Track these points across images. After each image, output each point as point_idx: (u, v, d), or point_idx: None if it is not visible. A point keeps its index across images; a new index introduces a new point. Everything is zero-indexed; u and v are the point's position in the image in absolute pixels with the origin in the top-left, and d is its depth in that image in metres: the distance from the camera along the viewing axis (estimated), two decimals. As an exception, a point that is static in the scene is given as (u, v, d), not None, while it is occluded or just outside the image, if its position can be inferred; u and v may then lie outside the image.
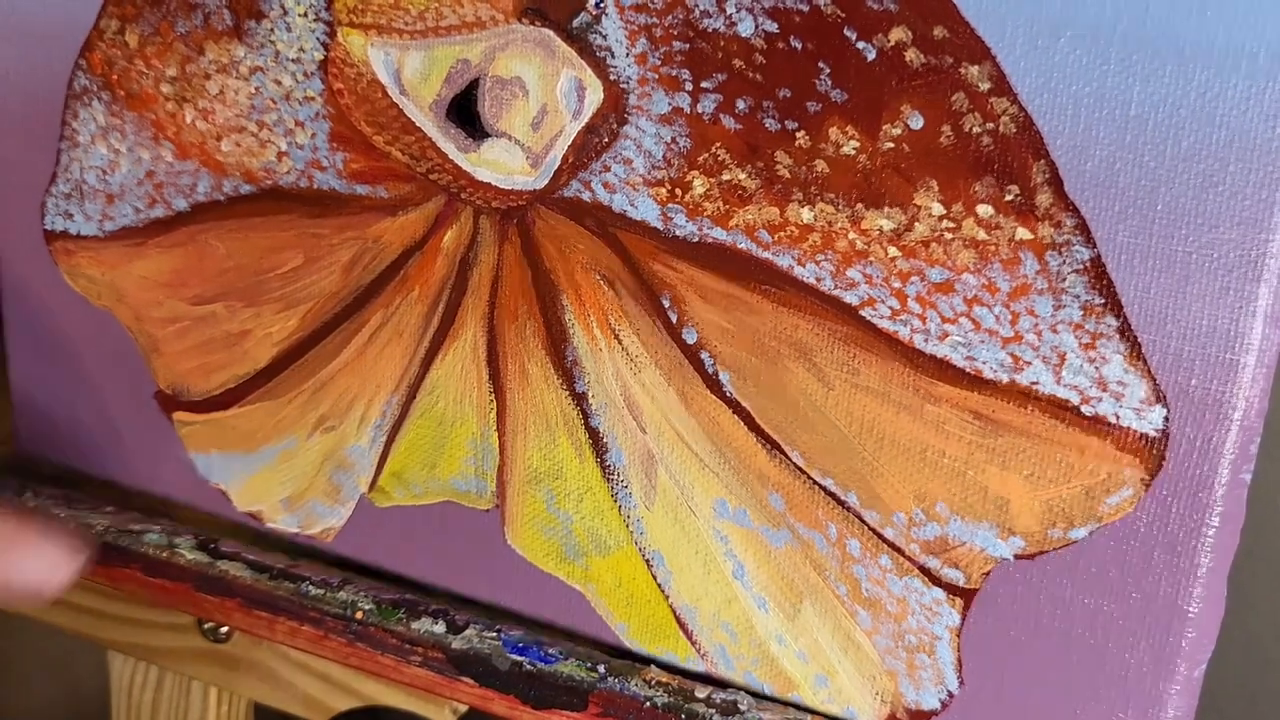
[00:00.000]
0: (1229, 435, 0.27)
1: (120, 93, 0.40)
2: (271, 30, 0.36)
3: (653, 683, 0.36)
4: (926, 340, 0.30)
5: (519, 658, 0.37)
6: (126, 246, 0.42)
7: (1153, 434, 0.28)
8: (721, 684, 0.36)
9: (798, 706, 0.35)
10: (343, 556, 0.41)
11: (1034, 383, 0.29)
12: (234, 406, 0.42)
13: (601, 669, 0.36)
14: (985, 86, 0.28)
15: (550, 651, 0.37)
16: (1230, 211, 0.26)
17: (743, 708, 0.35)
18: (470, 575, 0.39)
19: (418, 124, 0.35)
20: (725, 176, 0.31)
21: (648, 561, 0.36)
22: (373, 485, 0.40)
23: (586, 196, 0.33)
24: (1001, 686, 0.32)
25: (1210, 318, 0.27)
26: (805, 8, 0.29)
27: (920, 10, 0.28)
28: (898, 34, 0.28)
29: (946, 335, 0.30)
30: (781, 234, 0.31)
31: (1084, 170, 0.27)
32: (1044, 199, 0.28)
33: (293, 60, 0.36)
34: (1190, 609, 0.29)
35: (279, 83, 0.37)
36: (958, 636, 0.32)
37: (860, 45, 0.29)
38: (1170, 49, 0.26)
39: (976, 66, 0.28)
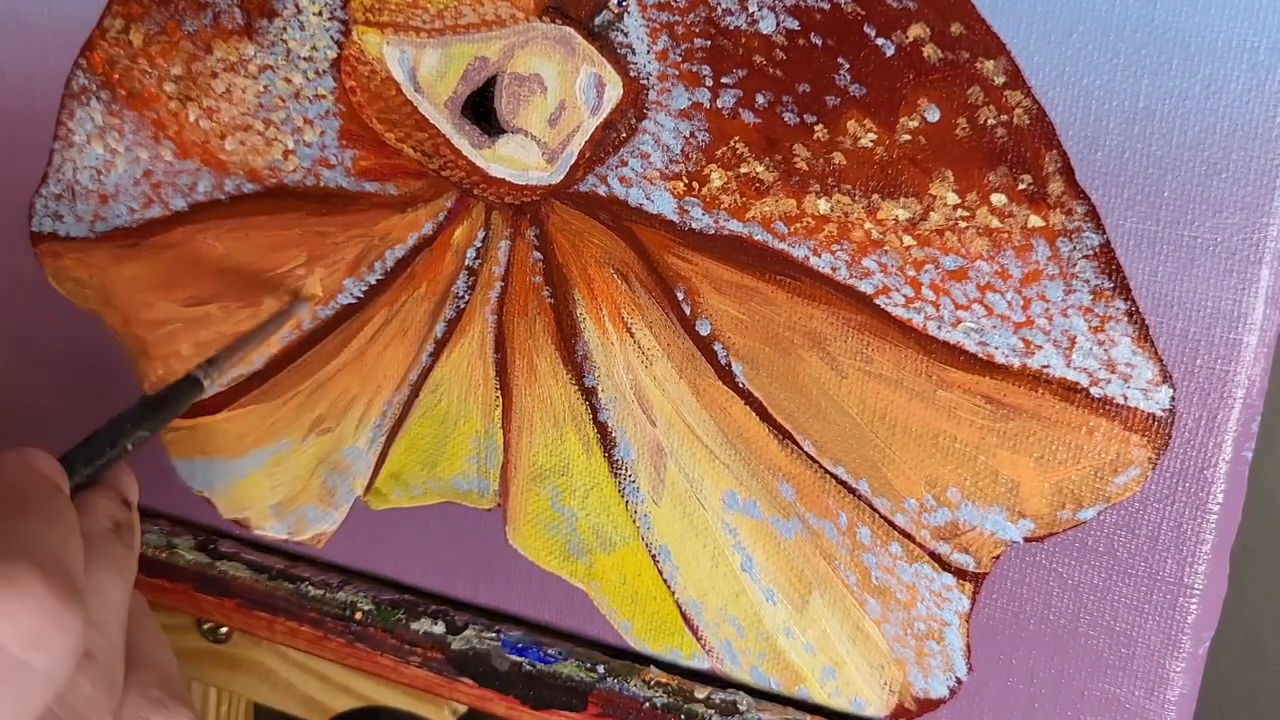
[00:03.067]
0: (1233, 413, 0.29)
1: (121, 92, 0.40)
2: (284, 29, 0.37)
3: (652, 683, 0.36)
4: (940, 327, 0.31)
5: (518, 658, 0.37)
6: (118, 248, 0.42)
7: (1159, 414, 0.29)
8: (721, 684, 0.36)
9: (798, 705, 0.35)
10: (334, 564, 0.41)
11: (1045, 366, 0.30)
12: (224, 410, 0.41)
13: (601, 669, 0.36)
14: (1000, 80, 0.29)
15: (550, 652, 0.37)
16: (1233, 197, 0.28)
17: (742, 708, 0.35)
18: (469, 578, 0.39)
19: (431, 121, 0.35)
20: (743, 169, 0.32)
21: (654, 557, 0.36)
22: (369, 488, 0.40)
23: (602, 191, 0.34)
24: (1010, 671, 0.32)
25: (1215, 299, 0.28)
26: (826, 5, 0.30)
27: (938, 7, 0.29)
28: (916, 30, 0.29)
29: (959, 322, 0.31)
30: (798, 225, 0.32)
31: (1094, 159, 0.29)
32: (1056, 187, 0.29)
33: (304, 59, 0.37)
34: (1196, 585, 0.30)
35: (289, 81, 0.37)
36: (967, 622, 0.32)
37: (879, 41, 0.30)
38: (1176, 44, 0.27)
39: (992, 61, 0.29)
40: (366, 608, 0.38)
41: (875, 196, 0.31)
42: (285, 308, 0.37)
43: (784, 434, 0.33)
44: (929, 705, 0.33)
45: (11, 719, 0.22)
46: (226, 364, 0.34)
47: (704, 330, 0.34)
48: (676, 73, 0.32)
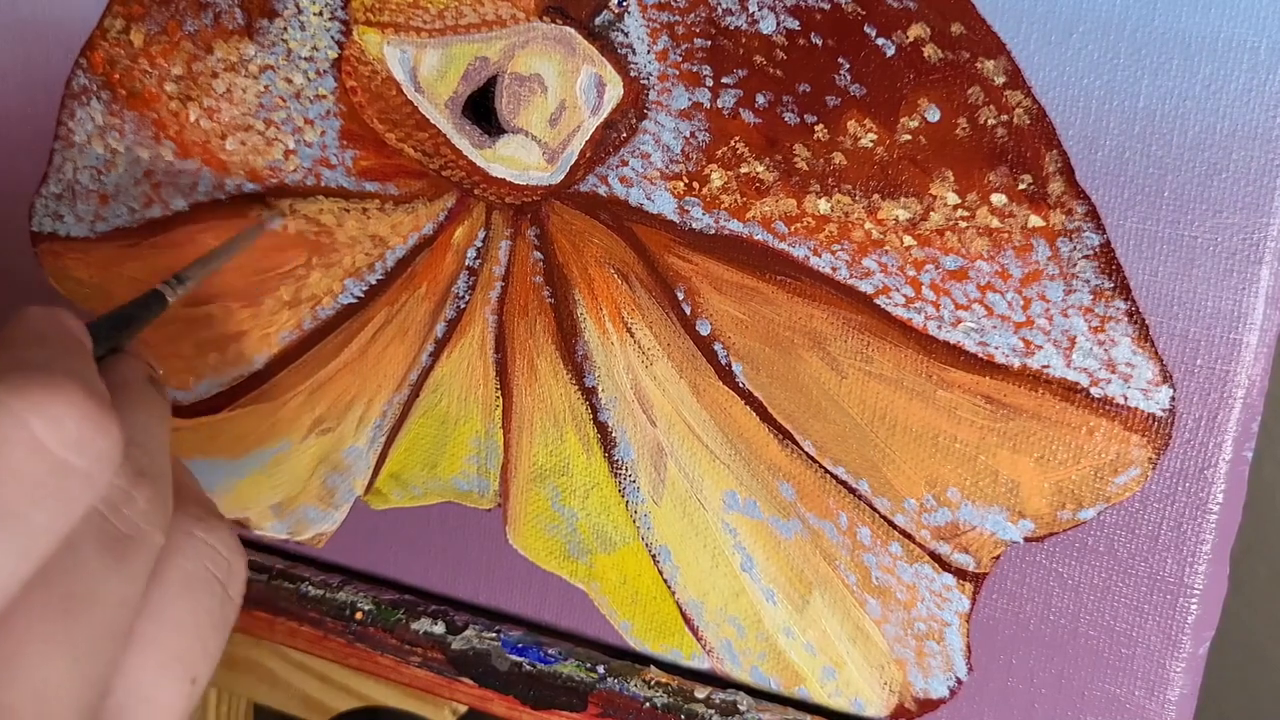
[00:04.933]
0: (1233, 413, 0.29)
1: (121, 92, 0.40)
2: (284, 29, 0.37)
3: (652, 683, 0.36)
4: (940, 327, 0.31)
5: (518, 658, 0.37)
6: (119, 247, 0.42)
7: (1160, 414, 0.29)
8: (722, 684, 0.36)
9: (798, 706, 0.35)
10: (335, 564, 0.41)
11: (1045, 366, 0.30)
12: (225, 410, 0.41)
13: (601, 669, 0.36)
14: (1000, 80, 0.29)
15: (550, 652, 0.37)
16: (1233, 197, 0.28)
17: (742, 708, 0.35)
18: (469, 578, 0.39)
19: (432, 121, 0.35)
20: (743, 169, 0.32)
21: (654, 557, 0.36)
22: (369, 488, 0.40)
23: (603, 191, 0.34)
24: (1010, 671, 0.32)
25: (1215, 299, 0.28)
26: (826, 5, 0.30)
27: (939, 7, 0.29)
28: (916, 30, 0.29)
29: (960, 321, 0.31)
30: (798, 225, 0.32)
31: (1094, 160, 0.29)
32: (1056, 187, 0.29)
33: (305, 58, 0.37)
34: (1196, 585, 0.30)
35: (289, 81, 0.37)
36: (967, 622, 0.32)
37: (880, 41, 0.30)
38: (1177, 43, 0.27)
39: (992, 61, 0.29)
40: (366, 608, 0.38)
41: (875, 196, 0.31)
42: (257, 223, 0.36)
43: (784, 434, 0.33)
44: (929, 705, 0.33)
45: (53, 517, 0.22)
46: (192, 280, 0.33)
47: (704, 330, 0.34)
48: (677, 73, 0.32)
